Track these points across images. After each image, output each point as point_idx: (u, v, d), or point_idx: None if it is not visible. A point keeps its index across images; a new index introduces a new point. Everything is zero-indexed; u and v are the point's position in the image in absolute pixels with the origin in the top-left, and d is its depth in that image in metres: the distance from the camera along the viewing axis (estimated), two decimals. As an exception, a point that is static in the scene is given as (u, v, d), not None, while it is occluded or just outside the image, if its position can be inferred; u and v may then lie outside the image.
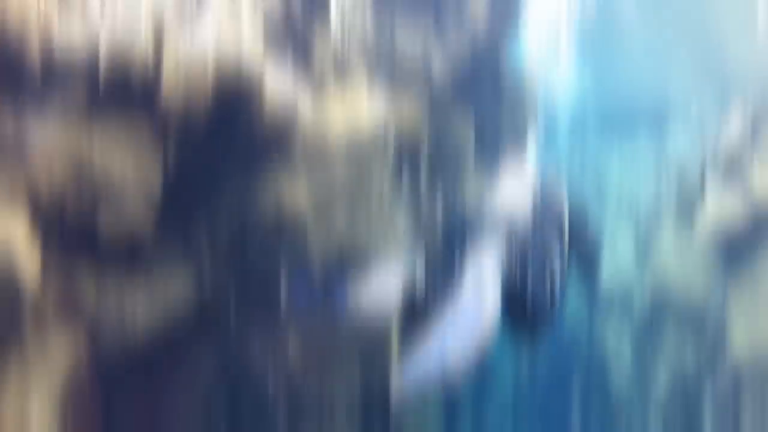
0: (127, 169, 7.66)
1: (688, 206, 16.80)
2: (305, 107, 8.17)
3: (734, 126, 15.34)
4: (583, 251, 6.97)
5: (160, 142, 7.90)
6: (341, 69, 9.86)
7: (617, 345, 19.13)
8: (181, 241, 8.40)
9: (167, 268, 8.39)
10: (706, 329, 14.75)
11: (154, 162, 7.85)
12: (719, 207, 14.08)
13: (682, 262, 16.03)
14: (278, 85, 7.94)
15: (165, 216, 8.03)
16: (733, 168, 14.81)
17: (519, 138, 14.67)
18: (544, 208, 6.36)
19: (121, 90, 7.64)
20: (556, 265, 6.24)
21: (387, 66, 10.77)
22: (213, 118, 7.42)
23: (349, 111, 9.41)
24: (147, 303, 8.16)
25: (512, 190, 6.42)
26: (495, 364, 23.84)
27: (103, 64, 7.42)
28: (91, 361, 7.87)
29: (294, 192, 8.77)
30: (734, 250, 14.15)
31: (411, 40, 11.09)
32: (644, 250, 19.61)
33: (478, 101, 13.84)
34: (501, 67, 14.26)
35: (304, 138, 8.88)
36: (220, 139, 7.73)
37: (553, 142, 27.75)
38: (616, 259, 20.86)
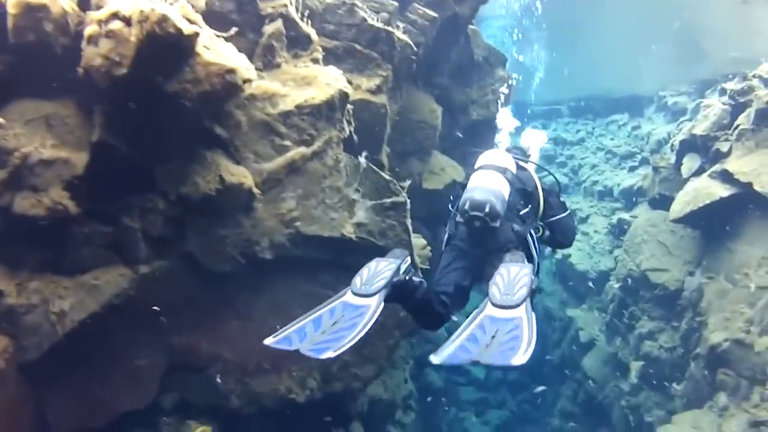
0: (44, 148, 6.85)
1: (663, 189, 16.17)
2: (250, 75, 7.33)
3: (710, 112, 14.52)
4: (557, 233, 6.33)
5: (83, 116, 7.06)
6: (296, 40, 9.06)
7: (590, 326, 18.62)
8: (111, 226, 7.58)
9: (97, 256, 7.61)
10: (681, 313, 14.10)
11: (76, 139, 7.03)
12: (695, 190, 13.34)
13: (656, 244, 15.38)
14: (218, 51, 7.08)
15: (92, 199, 7.19)
16: (710, 152, 14.02)
17: (489, 117, 13.93)
18: (518, 190, 5.86)
19: (35, 58, 6.80)
20: (534, 250, 5.77)
21: (346, 38, 9.97)
22: (141, 84, 6.55)
23: (301, 83, 8.58)
24: (75, 294, 7.40)
25: (486, 172, 5.50)
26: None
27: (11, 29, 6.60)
28: (16, 355, 7.16)
29: (239, 167, 7.95)
30: (711, 234, 13.44)
31: (373, 11, 10.29)
32: (618, 232, 19.05)
33: (445, 76, 13.07)
34: (470, 43, 13.48)
35: (249, 108, 8.06)
36: (151, 110, 6.86)
37: (528, 125, 27.29)
38: (591, 241, 20.31)
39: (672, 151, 16.21)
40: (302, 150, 8.43)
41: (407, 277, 4.89)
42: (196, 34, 6.58)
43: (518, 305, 4.26)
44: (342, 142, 8.93)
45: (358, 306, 4.55)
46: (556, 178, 7.02)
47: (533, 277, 4.54)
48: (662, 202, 16.00)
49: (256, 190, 7.99)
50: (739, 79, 14.53)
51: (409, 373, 16.25)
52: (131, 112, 6.83)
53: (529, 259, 5.56)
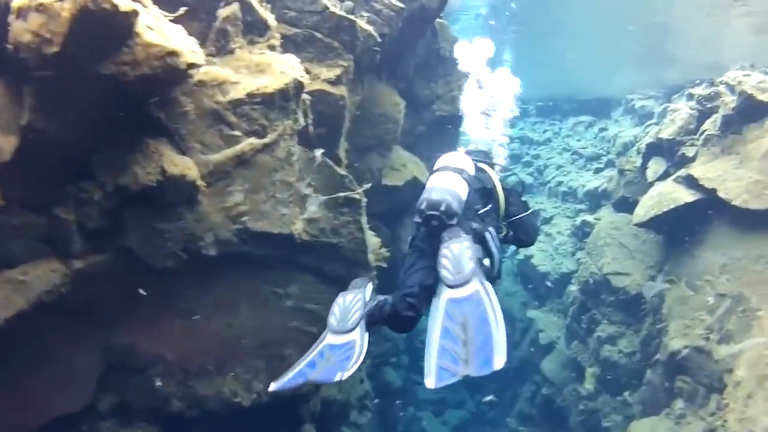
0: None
1: (628, 192, 15.85)
2: (195, 59, 6.77)
3: (677, 116, 14.22)
4: (519, 232, 6.40)
5: (11, 98, 6.46)
6: (252, 25, 8.50)
7: (550, 329, 18.31)
8: (43, 218, 7.00)
9: (26, 250, 7.02)
10: (641, 318, 13.78)
11: (4, 123, 6.42)
12: (660, 195, 13.00)
13: (619, 248, 15.06)
14: (163, 33, 6.50)
15: (21, 188, 6.60)
16: (676, 157, 13.71)
17: (454, 113, 13.45)
18: (476, 190, 5.91)
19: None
20: (492, 247, 5.65)
21: (307, 25, 9.41)
22: (74, 64, 5.95)
23: (254, 70, 8.03)
24: (1, 291, 6.82)
25: (442, 173, 5.67)
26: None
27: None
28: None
29: (183, 158, 7.38)
30: (674, 239, 13.10)
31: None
32: (582, 234, 18.73)
33: (410, 70, 12.57)
34: (437, 37, 13.00)
35: (197, 95, 7.49)
36: (86, 92, 6.27)
37: (493, 126, 26.97)
38: (554, 242, 19.99)
39: (638, 154, 15.89)
40: (252, 141, 7.88)
41: (374, 304, 4.99)
42: (135, 12, 5.99)
43: (470, 280, 4.54)
44: (296, 134, 8.38)
45: (342, 344, 4.67)
46: (519, 178, 7.42)
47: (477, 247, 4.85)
48: (626, 205, 15.67)
49: (200, 183, 7.43)
50: (707, 84, 14.31)
51: (366, 373, 15.77)
52: (64, 95, 6.24)
53: (489, 256, 5.57)
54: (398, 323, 5.26)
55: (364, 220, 8.97)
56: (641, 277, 14.05)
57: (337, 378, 4.42)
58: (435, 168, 5.95)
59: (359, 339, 4.69)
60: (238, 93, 7.75)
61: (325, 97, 9.29)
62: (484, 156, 6.79)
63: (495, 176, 6.41)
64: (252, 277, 8.77)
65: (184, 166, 7.27)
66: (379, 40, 10.21)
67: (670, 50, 20.74)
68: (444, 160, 6.02)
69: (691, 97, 14.89)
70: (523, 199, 6.61)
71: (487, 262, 5.22)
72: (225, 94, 7.69)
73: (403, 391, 20.33)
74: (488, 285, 4.56)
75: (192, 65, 6.71)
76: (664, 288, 12.74)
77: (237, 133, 7.78)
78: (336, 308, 4.89)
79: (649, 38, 20.89)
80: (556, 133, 25.18)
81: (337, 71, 9.46)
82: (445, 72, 13.32)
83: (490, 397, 20.00)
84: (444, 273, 4.70)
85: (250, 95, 7.78)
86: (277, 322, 9.10)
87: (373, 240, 10.12)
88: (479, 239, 5.52)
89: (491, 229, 5.81)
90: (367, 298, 5.00)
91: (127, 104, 6.67)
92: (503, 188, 6.31)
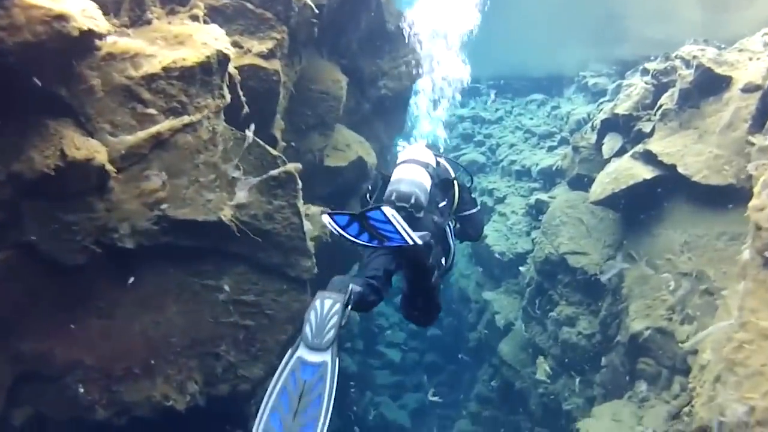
0: None
1: (583, 170, 15.08)
2: (93, 26, 5.78)
3: (633, 91, 13.48)
4: (467, 227, 6.71)
5: None
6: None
7: (507, 310, 17.58)
8: None
9: None
10: (600, 299, 13.05)
11: None
12: (617, 171, 12.24)
13: (575, 227, 14.30)
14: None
15: None
16: (632, 132, 12.97)
17: (401, 90, 12.56)
18: (437, 184, 6.19)
19: None
20: (451, 241, 6.12)
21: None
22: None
23: (172, 41, 7.04)
24: None
25: (409, 166, 6.03)
26: (387, 323, 22.56)
27: None
28: None
29: (89, 140, 6.38)
30: (632, 217, 12.36)
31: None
32: (536, 213, 17.98)
33: (354, 45, 11.61)
34: (383, 11, 12.04)
35: (104, 70, 6.50)
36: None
37: (443, 105, 26.23)
38: (507, 222, 19.23)
39: (593, 130, 15.11)
40: (171, 120, 6.89)
41: (350, 307, 4.83)
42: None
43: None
44: (222, 112, 7.40)
45: (315, 366, 4.49)
46: (469, 174, 7.43)
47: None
48: (582, 183, 14.91)
49: (110, 168, 6.43)
50: (662, 59, 13.53)
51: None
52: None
53: (447, 249, 5.95)
54: (362, 306, 5.26)
55: (300, 203, 8.03)
56: (599, 256, 13.28)
57: None
58: (401, 160, 6.15)
59: (330, 367, 4.48)
60: (152, 67, 6.75)
61: (256, 72, 8.33)
62: (435, 150, 6.76)
63: (452, 171, 6.62)
64: (178, 269, 7.79)
65: (90, 149, 6.25)
66: (317, 11, 9.26)
67: (621, 26, 20.11)
68: (409, 152, 6.24)
69: (645, 72, 14.13)
70: (473, 195, 6.86)
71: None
72: (137, 68, 6.69)
73: (359, 376, 19.60)
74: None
75: (88, 33, 5.71)
76: (624, 267, 11.99)
77: (152, 111, 6.78)
78: (312, 316, 4.67)
79: (601, 14, 20.29)
80: (509, 111, 24.36)
81: (270, 44, 8.50)
82: (391, 48, 12.40)
83: (435, 398, 19.41)
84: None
85: (166, 69, 6.79)
86: (209, 318, 8.14)
87: (316, 215, 9.30)
88: (440, 232, 5.81)
89: (450, 223, 6.15)
90: (346, 302, 4.76)
91: (12, 78, 5.66)
92: (458, 183, 6.49)
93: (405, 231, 4.63)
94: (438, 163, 6.47)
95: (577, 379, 13.38)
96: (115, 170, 6.54)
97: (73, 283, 7.02)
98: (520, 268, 17.60)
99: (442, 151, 7.27)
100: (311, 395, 4.35)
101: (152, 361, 7.90)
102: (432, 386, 21.51)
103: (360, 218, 4.71)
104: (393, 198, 5.69)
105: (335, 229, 4.77)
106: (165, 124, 6.84)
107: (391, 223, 4.62)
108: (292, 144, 9.92)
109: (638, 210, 12.13)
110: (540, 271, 15.20)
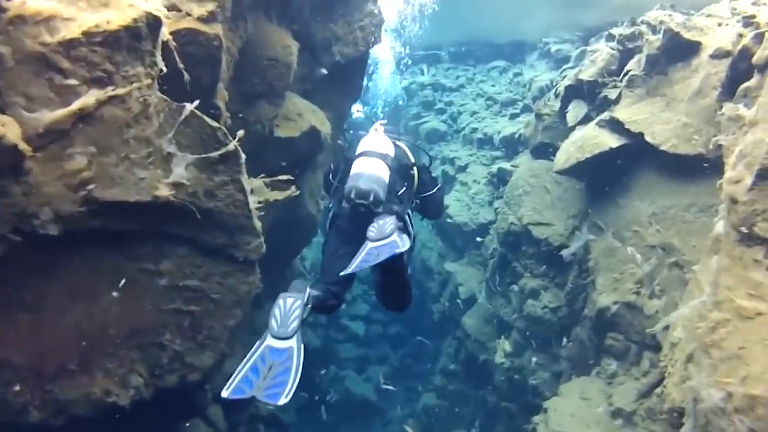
0: None
1: (546, 138, 14.45)
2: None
3: (598, 57, 12.80)
4: (428, 207, 6.94)
5: None
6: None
7: (470, 282, 17.08)
8: None
9: None
10: (566, 271, 12.52)
11: None
12: (582, 140, 11.62)
13: (539, 197, 13.72)
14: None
15: None
16: (597, 99, 12.34)
17: (357, 56, 11.76)
18: (395, 171, 6.42)
19: None
20: (410, 227, 6.31)
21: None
22: None
23: (95, 3, 6.18)
24: None
25: (368, 160, 6.28)
26: (349, 295, 21.98)
27: None
28: None
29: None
30: (598, 187, 11.78)
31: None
32: (498, 182, 17.39)
33: (306, 9, 10.77)
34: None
35: (14, 36, 5.67)
36: None
37: (403, 72, 25.47)
38: (469, 191, 18.65)
39: (556, 97, 14.44)
40: (95, 92, 6.07)
41: (310, 305, 5.33)
42: None
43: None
44: (155, 82, 6.58)
45: (282, 350, 4.91)
46: (428, 155, 7.59)
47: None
48: (545, 152, 14.30)
49: (24, 146, 5.60)
50: (628, 24, 12.91)
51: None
52: None
53: (408, 234, 6.02)
54: (323, 310, 5.78)
55: (244, 178, 7.27)
56: (563, 227, 12.74)
57: (280, 402, 4.63)
58: (359, 152, 6.27)
59: (296, 348, 4.92)
60: (71, 32, 5.87)
61: (196, 38, 7.46)
62: (395, 132, 7.00)
63: (410, 154, 6.73)
64: (112, 255, 6.97)
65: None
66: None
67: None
68: (367, 143, 6.36)
69: (611, 38, 13.41)
70: (433, 175, 7.02)
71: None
72: (54, 33, 5.82)
73: (322, 352, 19.11)
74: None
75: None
76: (590, 239, 11.44)
77: (73, 82, 5.93)
78: (277, 311, 5.13)
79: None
80: (470, 78, 23.61)
81: (210, 7, 7.61)
82: (345, 11, 11.54)
83: (388, 386, 19.01)
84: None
85: (87, 34, 5.91)
86: (149, 306, 7.37)
87: (273, 194, 8.62)
88: (400, 220, 5.87)
89: (409, 210, 6.33)
90: (306, 302, 5.22)
91: None
92: (417, 166, 6.67)
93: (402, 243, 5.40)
94: (397, 146, 6.59)
95: (543, 354, 12.93)
96: (32, 149, 5.72)
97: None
98: (482, 239, 17.08)
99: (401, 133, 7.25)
100: (280, 367, 4.80)
101: (89, 356, 7.15)
102: (399, 357, 21.13)
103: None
104: (353, 195, 5.92)
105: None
106: (89, 98, 6.02)
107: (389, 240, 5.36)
108: (240, 115, 9.15)
109: (604, 180, 11.56)
110: (503, 242, 14.66)
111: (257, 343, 4.98)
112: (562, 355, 12.22)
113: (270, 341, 4.97)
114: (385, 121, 7.24)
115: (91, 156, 6.14)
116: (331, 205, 6.58)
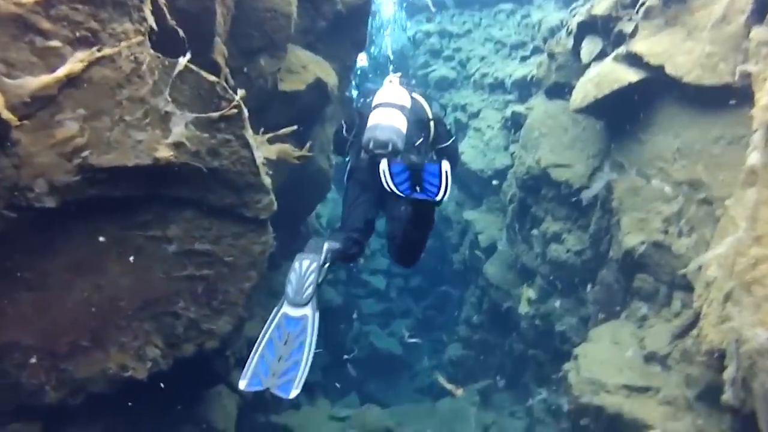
0: None
1: (561, 77, 13.83)
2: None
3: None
4: (444, 149, 6.73)
5: None
6: None
7: (490, 229, 16.66)
8: None
9: None
10: (588, 213, 12.02)
11: None
12: (599, 76, 11.00)
13: (556, 138, 13.16)
14: None
15: None
16: (612, 34, 11.67)
17: (358, 4, 11.21)
18: (413, 123, 6.24)
19: None
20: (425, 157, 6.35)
21: None
22: None
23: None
24: None
25: (385, 110, 6.09)
26: (368, 250, 21.65)
27: None
28: None
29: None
30: (618, 124, 11.21)
31: None
32: (513, 126, 16.81)
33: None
34: None
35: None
36: None
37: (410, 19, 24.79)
38: (484, 137, 18.11)
39: (569, 35, 13.74)
40: (81, 54, 5.64)
41: (327, 264, 5.40)
42: None
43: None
44: (145, 38, 6.13)
45: (297, 319, 5.05)
46: (443, 108, 7.97)
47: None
48: (560, 92, 13.69)
49: (9, 116, 5.18)
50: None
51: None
52: None
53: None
54: (345, 258, 5.83)
55: (249, 133, 6.83)
56: (584, 167, 12.15)
57: (291, 395, 4.81)
58: (375, 103, 6.17)
59: (311, 317, 5.08)
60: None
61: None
62: (409, 84, 6.87)
63: (426, 106, 6.56)
64: (115, 224, 6.61)
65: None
66: None
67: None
68: (384, 95, 6.23)
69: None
70: (448, 127, 6.85)
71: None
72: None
73: (344, 308, 18.83)
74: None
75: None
76: (612, 178, 10.92)
77: (56, 43, 5.51)
78: (292, 276, 5.22)
79: None
80: (477, 23, 22.78)
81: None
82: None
83: (414, 339, 18.72)
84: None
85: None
86: (160, 274, 7.04)
87: (280, 148, 8.25)
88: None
89: (428, 158, 6.39)
90: (322, 263, 5.31)
91: None
92: (433, 119, 6.55)
93: (446, 190, 4.87)
94: (413, 98, 6.45)
95: (569, 298, 12.54)
96: (18, 118, 5.31)
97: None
98: (497, 183, 16.61)
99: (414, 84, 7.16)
100: (295, 343, 4.95)
101: (101, 330, 6.85)
102: (421, 309, 20.85)
103: (415, 168, 5.01)
104: (371, 146, 5.86)
105: (385, 176, 5.00)
106: (75, 64, 5.58)
107: (439, 179, 4.85)
108: (243, 70, 8.72)
109: (624, 116, 10.97)
110: (522, 187, 14.15)
111: (274, 311, 5.20)
112: (589, 299, 11.78)
113: (286, 309, 5.15)
114: (400, 73, 7.11)
115: (82, 121, 5.75)
116: (348, 159, 6.57)
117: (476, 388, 15.43)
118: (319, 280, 5.23)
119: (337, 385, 16.45)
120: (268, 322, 5.13)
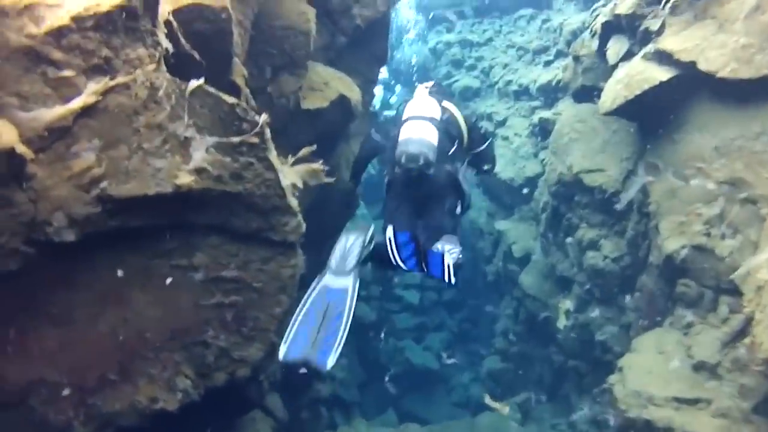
0: None
1: (587, 80, 13.49)
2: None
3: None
4: (481, 163, 6.85)
5: None
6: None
7: (523, 239, 16.31)
8: None
9: None
10: (625, 218, 11.64)
11: None
12: (628, 77, 10.64)
13: (587, 142, 12.79)
14: None
15: None
16: (638, 33, 11.32)
17: (378, 17, 10.99)
18: (444, 132, 6.19)
19: None
20: (465, 186, 6.20)
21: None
22: None
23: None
24: None
25: (415, 123, 6.11)
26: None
27: None
28: None
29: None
30: (650, 125, 10.84)
31: None
32: (541, 132, 16.47)
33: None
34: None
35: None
36: None
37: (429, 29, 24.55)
38: (512, 145, 17.77)
39: (593, 37, 13.43)
40: (95, 86, 5.44)
41: (372, 245, 5.63)
42: None
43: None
44: (162, 63, 5.93)
45: (338, 289, 5.26)
46: (475, 115, 7.62)
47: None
48: (588, 95, 13.37)
49: (24, 150, 5.00)
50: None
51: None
52: None
53: (462, 195, 6.12)
54: (382, 259, 5.82)
55: (273, 155, 6.61)
56: (617, 171, 11.79)
57: (329, 363, 4.91)
58: (405, 117, 6.16)
59: (351, 285, 5.24)
60: (59, 19, 5.22)
61: (201, 13, 6.80)
62: (439, 88, 6.92)
63: (458, 114, 6.49)
64: (138, 254, 6.41)
65: (-9, 130, 4.84)
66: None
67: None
68: (413, 108, 6.22)
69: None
70: (482, 131, 6.92)
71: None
72: (39, 22, 5.18)
73: (378, 324, 18.57)
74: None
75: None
76: (647, 181, 10.53)
77: (69, 73, 5.31)
78: (337, 248, 5.49)
79: None
80: (497, 31, 22.54)
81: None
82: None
83: (451, 360, 18.42)
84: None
85: (77, 19, 5.26)
86: (187, 303, 6.81)
87: (303, 168, 8.01)
88: (452, 181, 5.99)
89: (461, 168, 6.23)
90: (367, 242, 5.56)
91: None
92: (466, 124, 6.52)
93: (450, 276, 5.24)
94: (443, 108, 6.40)
95: (609, 307, 12.14)
96: (33, 152, 5.13)
97: (11, 294, 5.69)
98: (527, 191, 16.27)
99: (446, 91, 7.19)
100: (334, 312, 5.07)
101: (129, 363, 6.63)
102: (456, 322, 20.51)
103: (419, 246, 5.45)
104: (403, 161, 5.83)
105: (391, 245, 5.51)
106: (89, 97, 5.39)
107: (442, 269, 5.27)
108: (268, 90, 8.53)
109: (657, 117, 10.62)
110: (554, 194, 13.80)
111: (315, 281, 5.38)
112: (629, 306, 11.41)
113: (327, 279, 5.36)
114: (432, 82, 7.03)
115: (99, 151, 5.54)
116: (385, 173, 6.46)
117: (516, 402, 15.07)
118: (364, 253, 5.45)
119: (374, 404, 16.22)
120: (308, 293, 5.29)
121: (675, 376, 8.92)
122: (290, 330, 5.09)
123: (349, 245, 5.46)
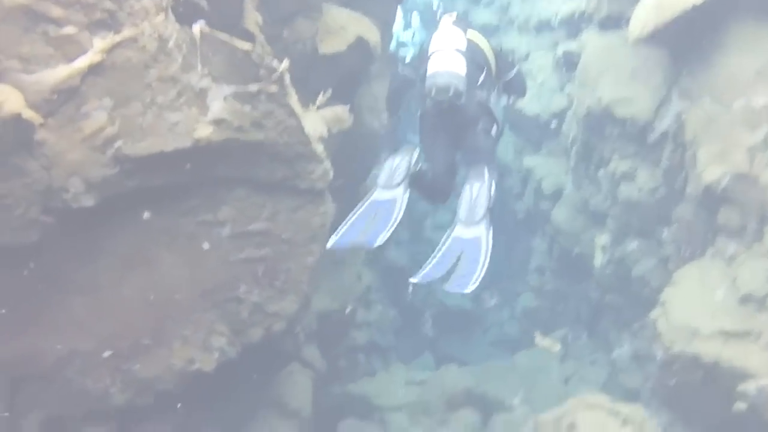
0: None
1: (613, 7, 12.79)
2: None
3: None
4: (512, 90, 6.85)
5: None
6: None
7: (553, 174, 15.84)
8: None
9: None
10: (659, 148, 11.11)
11: None
12: (658, 1, 10.01)
13: (616, 72, 12.19)
14: None
15: None
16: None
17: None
18: (472, 62, 6.13)
19: None
20: (497, 114, 6.34)
21: None
22: None
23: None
24: None
25: (442, 55, 5.98)
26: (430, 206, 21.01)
27: None
28: None
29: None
30: (684, 50, 10.25)
31: None
32: (566, 65, 15.81)
33: None
34: None
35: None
36: None
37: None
38: (536, 81, 17.12)
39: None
40: (101, 39, 5.11)
41: (418, 167, 5.83)
42: None
43: (479, 225, 5.43)
44: (169, 12, 5.57)
45: (387, 200, 5.50)
46: (499, 46, 7.43)
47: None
48: (615, 24, 12.63)
49: (31, 115, 4.72)
50: None
51: (363, 265, 13.61)
52: None
53: (495, 121, 6.22)
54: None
55: (293, 100, 6.29)
56: (650, 100, 11.17)
57: (378, 242, 5.28)
58: (431, 50, 6.10)
59: (401, 196, 5.48)
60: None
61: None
62: (463, 21, 6.83)
63: (485, 43, 6.57)
64: (161, 213, 6.18)
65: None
66: None
67: None
68: (439, 40, 6.17)
69: None
70: (509, 58, 7.19)
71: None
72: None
73: (409, 269, 18.29)
74: (490, 234, 5.39)
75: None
76: (682, 109, 9.98)
77: (71, 30, 5.03)
78: (386, 168, 5.63)
79: None
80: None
81: None
82: None
83: (494, 301, 18.06)
84: (460, 210, 5.47)
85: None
86: (216, 260, 6.62)
87: (328, 113, 7.81)
88: (485, 109, 6.09)
89: (492, 97, 6.38)
90: (413, 162, 5.73)
91: None
92: (492, 52, 6.61)
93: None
94: (468, 38, 6.36)
95: (646, 239, 11.72)
96: (41, 116, 4.83)
97: (36, 266, 5.49)
98: (555, 125, 15.73)
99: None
100: (383, 214, 5.35)
101: (162, 326, 6.49)
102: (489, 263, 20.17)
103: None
104: (433, 93, 5.84)
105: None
106: (95, 55, 5.06)
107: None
108: (285, 35, 8.15)
109: (691, 42, 10.00)
110: (584, 127, 13.22)
111: (365, 198, 5.61)
112: (666, 239, 10.98)
113: (377, 194, 5.57)
114: (455, 13, 7.00)
115: (111, 109, 5.26)
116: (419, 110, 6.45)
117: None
118: (411, 170, 5.63)
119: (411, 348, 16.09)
120: (358, 206, 5.51)
121: (721, 309, 8.50)
122: (341, 228, 5.36)
123: (396, 163, 5.60)
